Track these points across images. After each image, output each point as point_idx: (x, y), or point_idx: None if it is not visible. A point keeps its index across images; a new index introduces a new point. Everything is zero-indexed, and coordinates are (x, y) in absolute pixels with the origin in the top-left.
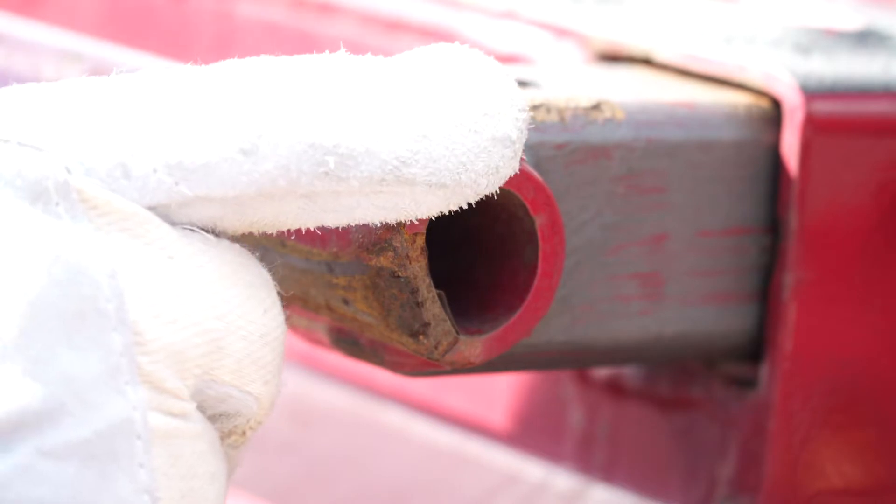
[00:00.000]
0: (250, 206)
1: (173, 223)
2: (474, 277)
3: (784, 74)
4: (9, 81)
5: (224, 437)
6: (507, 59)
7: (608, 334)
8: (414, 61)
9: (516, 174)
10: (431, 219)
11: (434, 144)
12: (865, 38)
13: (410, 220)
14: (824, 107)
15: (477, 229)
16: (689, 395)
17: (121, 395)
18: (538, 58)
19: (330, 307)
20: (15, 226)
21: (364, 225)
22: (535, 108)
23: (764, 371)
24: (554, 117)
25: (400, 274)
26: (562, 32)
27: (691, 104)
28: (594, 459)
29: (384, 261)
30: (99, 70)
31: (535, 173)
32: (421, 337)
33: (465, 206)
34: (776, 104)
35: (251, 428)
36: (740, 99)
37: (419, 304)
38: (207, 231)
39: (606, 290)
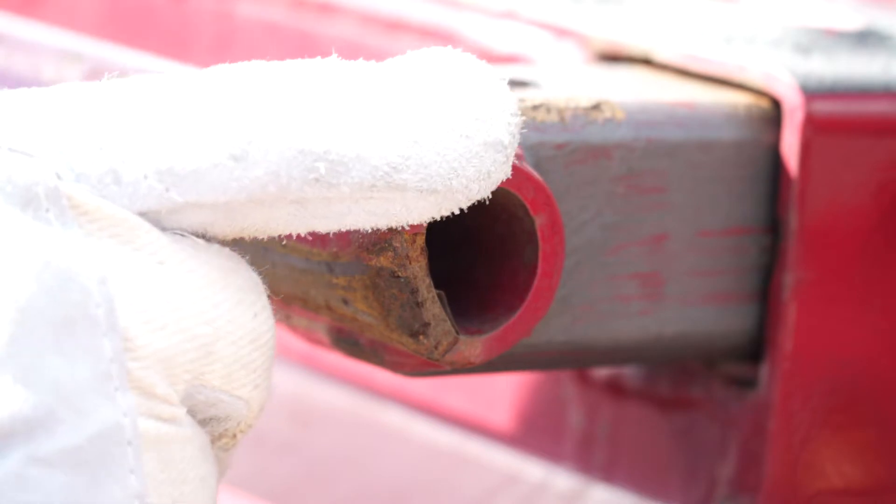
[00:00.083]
0: (241, 212)
1: (164, 229)
2: (474, 277)
3: (784, 74)
4: (9, 81)
5: (214, 440)
6: (507, 59)
7: (608, 334)
8: (405, 66)
9: (516, 174)
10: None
11: (425, 150)
12: (865, 38)
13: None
14: (824, 107)
15: (477, 229)
16: (689, 395)
17: (111, 401)
18: (538, 58)
19: (330, 307)
20: (4, 232)
21: None
22: (535, 108)
23: (764, 371)
24: (554, 117)
25: (400, 274)
26: (562, 32)
27: (691, 104)
28: (594, 459)
29: (384, 261)
30: (99, 70)
31: (535, 173)
32: (421, 337)
33: (457, 212)
34: (776, 104)
35: (241, 431)
36: (740, 99)
37: (419, 304)
38: (198, 236)
39: (606, 290)
